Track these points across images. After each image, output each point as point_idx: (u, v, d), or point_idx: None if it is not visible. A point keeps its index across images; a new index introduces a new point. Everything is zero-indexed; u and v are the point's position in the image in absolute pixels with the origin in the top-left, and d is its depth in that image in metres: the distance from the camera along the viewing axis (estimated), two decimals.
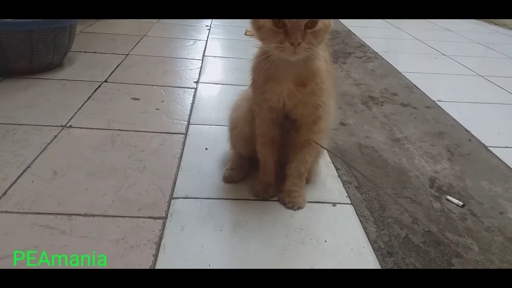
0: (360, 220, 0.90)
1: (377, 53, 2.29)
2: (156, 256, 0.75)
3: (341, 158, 1.12)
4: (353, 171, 1.06)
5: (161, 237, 0.80)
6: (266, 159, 0.94)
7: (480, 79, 1.96)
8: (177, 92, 1.52)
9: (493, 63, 2.32)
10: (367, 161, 1.15)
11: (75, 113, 1.28)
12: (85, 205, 0.87)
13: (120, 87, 1.52)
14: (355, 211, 0.93)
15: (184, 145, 1.15)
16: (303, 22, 0.72)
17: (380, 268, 0.77)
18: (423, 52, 2.43)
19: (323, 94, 0.85)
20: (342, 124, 1.38)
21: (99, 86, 1.51)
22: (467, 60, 2.24)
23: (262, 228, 0.85)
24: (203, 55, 2.01)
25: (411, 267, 0.78)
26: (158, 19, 2.63)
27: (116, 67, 1.72)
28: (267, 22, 0.74)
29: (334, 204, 0.95)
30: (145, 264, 0.73)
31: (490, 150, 1.26)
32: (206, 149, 1.14)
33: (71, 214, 0.84)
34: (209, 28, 2.59)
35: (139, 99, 1.43)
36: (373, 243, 0.83)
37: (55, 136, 1.13)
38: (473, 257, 0.82)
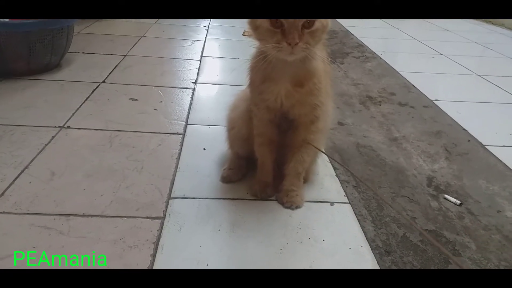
0: (358, 219, 0.90)
1: (375, 53, 2.29)
2: (154, 256, 0.75)
3: (338, 162, 1.12)
4: (350, 175, 1.06)
5: (159, 237, 0.80)
6: (264, 159, 0.94)
7: (478, 78, 1.97)
8: (175, 93, 1.52)
9: (491, 63, 2.32)
10: (365, 161, 1.16)
11: (73, 114, 1.28)
12: (83, 206, 0.87)
13: (118, 87, 1.52)
14: (353, 210, 0.93)
15: (182, 145, 1.15)
16: (300, 22, 0.72)
17: (378, 267, 0.77)
18: (421, 52, 2.43)
19: (321, 94, 0.85)
20: (340, 123, 1.38)
21: (97, 86, 1.51)
22: (465, 60, 2.24)
23: (260, 227, 0.85)
24: (201, 56, 2.01)
25: (409, 265, 0.78)
26: (156, 20, 2.63)
27: (114, 68, 1.72)
28: (264, 22, 0.74)
29: (332, 203, 0.95)
30: (143, 264, 0.73)
31: (487, 149, 1.26)
32: (204, 149, 1.14)
33: (69, 215, 0.84)
34: (207, 28, 2.59)
35: (137, 100, 1.43)
36: (371, 242, 0.84)
37: (53, 137, 1.13)
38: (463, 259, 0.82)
